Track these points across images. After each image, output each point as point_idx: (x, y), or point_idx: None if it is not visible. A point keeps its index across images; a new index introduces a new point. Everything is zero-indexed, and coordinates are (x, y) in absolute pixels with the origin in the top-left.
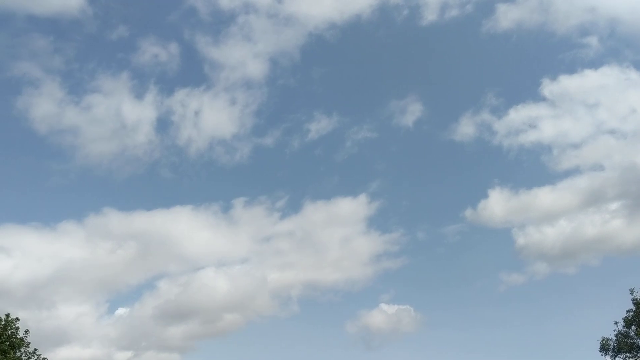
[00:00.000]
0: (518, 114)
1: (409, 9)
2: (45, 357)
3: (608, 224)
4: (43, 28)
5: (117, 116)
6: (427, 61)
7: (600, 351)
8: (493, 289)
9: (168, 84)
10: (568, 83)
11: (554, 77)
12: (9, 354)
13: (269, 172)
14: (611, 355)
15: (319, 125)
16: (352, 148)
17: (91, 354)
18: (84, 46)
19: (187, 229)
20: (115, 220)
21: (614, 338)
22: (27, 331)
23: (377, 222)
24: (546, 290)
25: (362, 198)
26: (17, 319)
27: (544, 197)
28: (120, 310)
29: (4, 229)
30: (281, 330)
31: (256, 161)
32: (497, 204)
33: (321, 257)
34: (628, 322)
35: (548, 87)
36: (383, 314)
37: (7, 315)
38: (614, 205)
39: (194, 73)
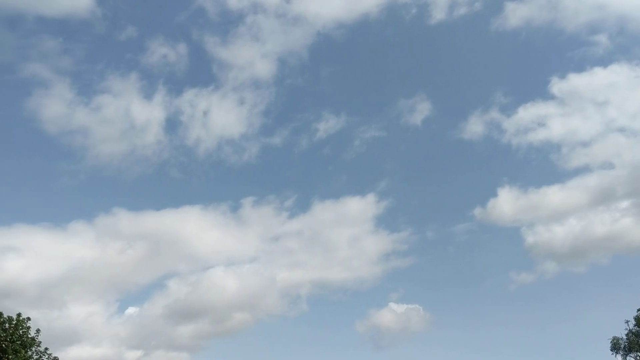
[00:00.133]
0: (527, 113)
1: (417, 8)
2: (56, 356)
3: (618, 222)
4: (52, 29)
5: (126, 117)
6: (436, 60)
7: (611, 350)
8: (502, 288)
9: (177, 85)
10: (577, 81)
11: (563, 75)
12: (20, 353)
13: (277, 172)
14: (622, 355)
15: (327, 125)
16: (361, 147)
17: (101, 353)
18: (93, 47)
19: (196, 228)
20: (124, 220)
21: (625, 337)
22: (38, 330)
23: (385, 221)
24: (556, 289)
25: (371, 197)
26: (29, 318)
27: (554, 195)
28: (130, 310)
29: (14, 229)
30: (290, 329)
31: (265, 161)
32: (506, 203)
33: (330, 256)
34: (639, 321)
35: (557, 85)
36: (392, 313)
37: (19, 315)
38: (624, 204)
39: (202, 73)
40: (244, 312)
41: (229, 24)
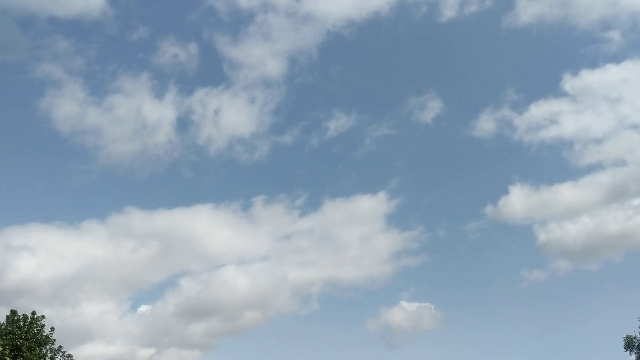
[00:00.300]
0: (539, 110)
1: (427, 6)
2: (70, 353)
3: (631, 219)
4: (65, 30)
5: (138, 116)
6: (446, 57)
7: (625, 348)
8: (514, 286)
9: (188, 84)
10: (590, 78)
11: (575, 72)
12: (35, 351)
13: (288, 171)
14: (636, 353)
15: (338, 123)
16: (371, 145)
17: (114, 351)
18: (105, 47)
19: (207, 227)
20: (137, 219)
21: (639, 335)
22: (52, 329)
23: (396, 220)
24: (568, 287)
25: (382, 195)
26: (43, 316)
27: (566, 193)
28: (143, 308)
29: (28, 228)
30: (301, 328)
31: (275, 159)
32: (518, 201)
33: (341, 254)
34: None
35: (569, 82)
36: (403, 312)
37: (33, 313)
38: (637, 201)
39: (213, 72)
40: (255, 310)
41: (239, 23)
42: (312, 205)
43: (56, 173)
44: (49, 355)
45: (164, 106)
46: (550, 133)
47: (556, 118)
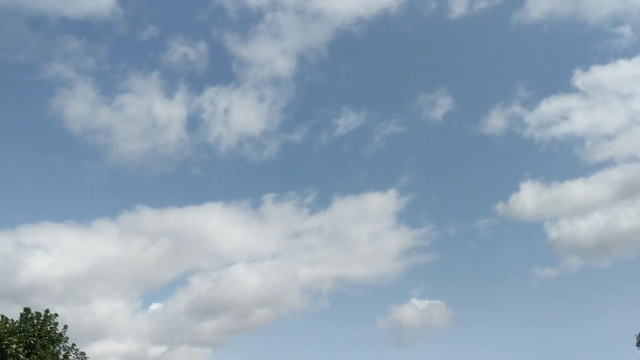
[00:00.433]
0: (550, 106)
1: (436, 2)
2: (83, 351)
3: None
4: (75, 30)
5: (148, 115)
6: (456, 54)
7: (637, 346)
8: (525, 283)
9: (197, 83)
10: (601, 73)
11: (586, 68)
12: (49, 348)
13: (297, 168)
14: None
15: (347, 121)
16: (381, 143)
17: (126, 348)
18: (115, 47)
19: (218, 225)
20: (148, 217)
21: None
22: (65, 327)
23: (406, 217)
24: (580, 284)
25: (391, 193)
26: (56, 314)
27: (577, 189)
28: (154, 306)
29: (41, 226)
30: (311, 325)
31: (285, 157)
32: (528, 198)
33: (351, 252)
34: None
35: (580, 78)
36: (414, 309)
37: (46, 311)
38: None
39: (222, 71)
40: (265, 308)
41: (248, 21)
42: (322, 203)
43: (68, 172)
44: (62, 353)
45: (174, 105)
46: (561, 129)
47: (567, 114)
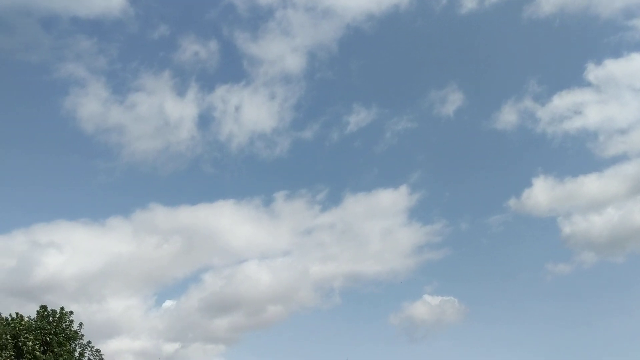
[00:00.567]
0: (562, 101)
1: None
2: (98, 348)
3: None
4: (87, 29)
5: (160, 114)
6: (467, 49)
7: None
8: (539, 279)
9: (208, 81)
10: (614, 67)
11: (599, 62)
12: (65, 346)
13: (309, 166)
14: None
15: (358, 117)
16: (392, 139)
17: (140, 345)
18: (126, 46)
19: (230, 222)
20: (160, 215)
21: None
22: (81, 324)
23: (418, 214)
24: (594, 280)
25: (403, 189)
26: (71, 312)
27: (591, 184)
28: (168, 303)
29: (55, 225)
30: (324, 322)
31: (296, 155)
32: (541, 193)
33: (362, 249)
34: None
35: (593, 72)
36: (426, 306)
37: (62, 309)
38: None
39: (233, 69)
40: (277, 305)
41: (258, 19)
42: (333, 200)
43: (81, 171)
44: (78, 350)
45: (185, 103)
46: (574, 124)
47: (580, 109)
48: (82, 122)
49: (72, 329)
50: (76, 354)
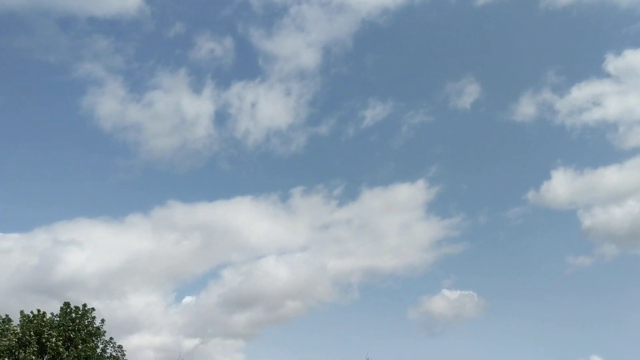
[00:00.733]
0: (581, 92)
1: None
2: (120, 344)
3: None
4: (104, 29)
5: (176, 111)
6: (484, 41)
7: None
8: (559, 272)
9: (224, 78)
10: (633, 57)
11: (618, 52)
12: (88, 342)
13: (325, 161)
14: None
15: (374, 112)
16: (409, 133)
17: (161, 341)
18: (143, 45)
19: (247, 218)
20: (179, 212)
21: None
22: (103, 320)
23: (436, 207)
24: (615, 272)
25: (420, 183)
26: (93, 309)
27: (611, 176)
28: (187, 299)
29: (76, 223)
30: (342, 317)
31: (312, 150)
32: (561, 185)
33: (380, 243)
34: None
35: (612, 63)
36: (445, 300)
37: (84, 306)
38: None
39: (248, 66)
40: (296, 300)
41: (273, 15)
42: (350, 195)
43: (100, 169)
44: (100, 346)
45: (201, 101)
46: (594, 115)
47: (599, 100)
48: (100, 121)
49: (95, 326)
50: (98, 350)
